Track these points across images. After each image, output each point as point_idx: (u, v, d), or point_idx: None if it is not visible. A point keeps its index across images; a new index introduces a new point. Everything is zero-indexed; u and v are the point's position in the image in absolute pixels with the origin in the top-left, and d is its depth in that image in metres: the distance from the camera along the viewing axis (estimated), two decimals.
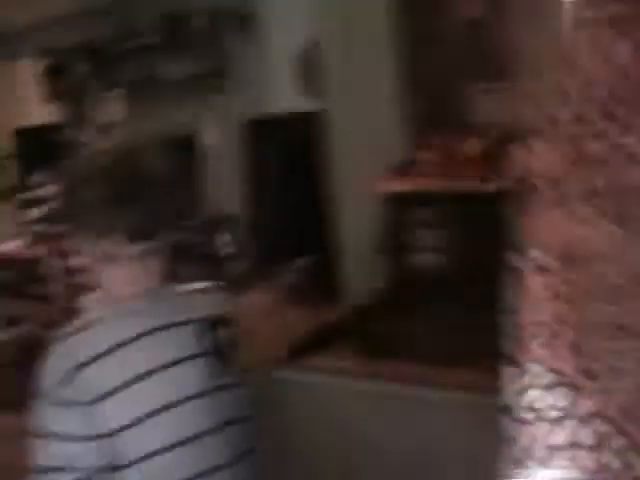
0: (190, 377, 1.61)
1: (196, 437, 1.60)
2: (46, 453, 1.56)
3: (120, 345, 1.57)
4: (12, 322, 6.40)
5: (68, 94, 9.74)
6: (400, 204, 1.66)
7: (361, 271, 1.94)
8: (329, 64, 2.13)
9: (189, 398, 1.60)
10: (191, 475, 1.58)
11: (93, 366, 1.55)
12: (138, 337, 1.59)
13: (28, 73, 10.28)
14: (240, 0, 7.79)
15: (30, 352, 5.47)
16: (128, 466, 1.56)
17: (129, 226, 1.51)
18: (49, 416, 1.57)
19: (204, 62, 8.17)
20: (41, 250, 5.17)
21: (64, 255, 4.80)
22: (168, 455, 1.56)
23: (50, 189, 7.04)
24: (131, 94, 9.03)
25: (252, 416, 1.73)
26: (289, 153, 2.11)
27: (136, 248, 1.53)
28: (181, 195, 1.57)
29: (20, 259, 5.49)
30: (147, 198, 1.56)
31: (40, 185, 7.02)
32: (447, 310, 1.61)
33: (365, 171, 2.00)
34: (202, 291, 1.77)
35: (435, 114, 1.91)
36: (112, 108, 9.32)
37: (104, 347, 1.57)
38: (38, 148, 6.93)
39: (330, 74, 2.12)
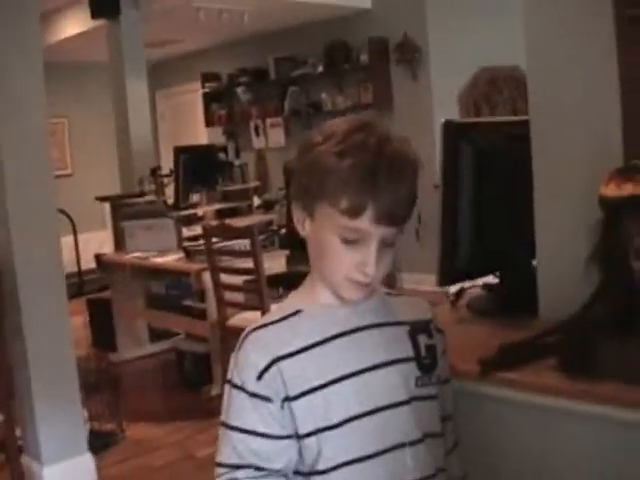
0: (393, 383, 1.48)
1: (395, 448, 1.47)
2: (233, 447, 1.46)
3: (320, 342, 1.46)
4: (162, 335, 6.53)
5: (228, 119, 9.94)
6: (621, 209, 1.48)
7: (566, 285, 1.76)
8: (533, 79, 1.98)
9: (390, 406, 1.47)
10: None
11: (290, 362, 1.44)
12: (339, 335, 1.47)
13: (194, 96, 10.57)
14: (407, 33, 7.81)
15: (173, 366, 5.62)
16: (320, 473, 1.44)
17: (379, 207, 1.39)
18: (240, 410, 1.47)
19: (367, 93, 8.19)
20: (196, 266, 5.23)
21: (218, 271, 4.84)
22: (362, 465, 1.44)
23: (205, 209, 7.16)
24: (292, 122, 9.14)
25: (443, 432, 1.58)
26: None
27: (379, 231, 1.40)
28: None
29: (176, 271, 5.60)
30: (402, 183, 1.43)
31: (196, 205, 7.14)
32: None
33: (579, 177, 1.83)
34: (403, 296, 1.65)
35: None
36: (272, 134, 9.44)
37: (301, 343, 1.45)
38: (196, 167, 7.06)
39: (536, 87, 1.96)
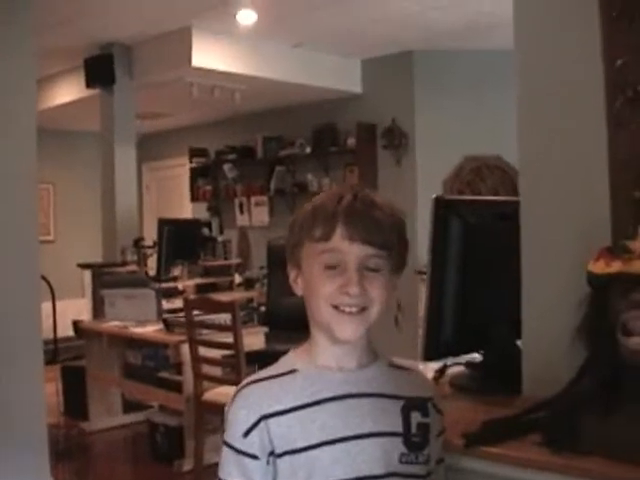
0: (374, 455, 1.47)
1: None
2: None
3: (309, 404, 1.46)
4: (136, 407, 6.45)
5: (213, 194, 9.99)
6: (609, 285, 1.50)
7: (551, 364, 1.77)
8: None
9: (370, 477, 1.46)
10: None
11: (277, 420, 1.44)
12: (330, 399, 1.47)
13: (181, 171, 10.65)
14: (395, 119, 7.94)
15: (145, 439, 5.53)
16: None
17: (349, 225, 1.42)
18: (231, 465, 1.47)
19: (353, 175, 8.28)
20: (175, 337, 5.21)
21: (196, 344, 4.82)
22: None
23: (186, 283, 7.16)
24: (277, 201, 9.20)
25: None
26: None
27: (354, 249, 1.42)
28: None
29: (154, 342, 5.57)
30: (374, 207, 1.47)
31: (177, 278, 7.14)
32: None
33: (566, 255, 1.85)
34: (408, 370, 1.64)
35: None
36: (256, 213, 9.48)
37: (291, 403, 1.45)
38: (179, 240, 7.08)
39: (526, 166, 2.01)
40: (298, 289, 1.53)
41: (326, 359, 1.51)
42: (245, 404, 1.48)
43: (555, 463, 1.48)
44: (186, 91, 7.58)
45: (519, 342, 2.06)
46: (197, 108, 8.98)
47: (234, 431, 1.47)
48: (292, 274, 1.53)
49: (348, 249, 1.43)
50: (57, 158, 10.14)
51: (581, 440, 1.49)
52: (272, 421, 1.44)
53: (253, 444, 1.45)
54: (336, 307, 1.45)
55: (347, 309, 1.44)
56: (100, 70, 7.44)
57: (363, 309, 1.45)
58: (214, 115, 9.67)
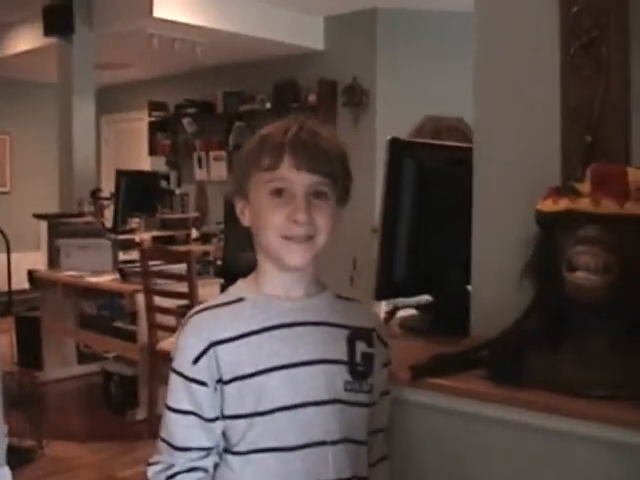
0: (319, 381, 1.50)
1: (316, 444, 1.48)
2: (182, 428, 1.49)
3: (257, 331, 1.48)
4: (91, 358, 6.45)
5: (172, 149, 9.94)
6: (556, 223, 1.54)
7: (499, 305, 1.80)
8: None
9: (314, 403, 1.49)
10: None
11: (226, 347, 1.47)
12: (277, 327, 1.49)
13: (140, 124, 10.56)
14: (356, 77, 7.93)
15: (99, 389, 5.55)
16: (239, 454, 1.47)
17: (295, 154, 1.44)
18: (180, 392, 1.50)
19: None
20: (130, 287, 5.21)
21: (152, 294, 4.83)
22: (283, 455, 1.46)
23: (143, 236, 7.12)
24: (235, 156, 9.16)
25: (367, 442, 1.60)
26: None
27: (301, 178, 1.44)
28: None
29: (109, 292, 5.56)
30: (319, 137, 1.49)
31: (134, 230, 7.09)
32: (599, 340, 1.47)
33: (516, 198, 1.89)
34: (353, 301, 1.67)
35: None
36: (215, 167, 9.45)
37: (240, 330, 1.48)
38: (137, 192, 7.04)
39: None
40: (245, 220, 1.55)
41: (274, 288, 1.54)
42: (194, 332, 1.50)
43: (499, 395, 1.52)
44: (147, 43, 7.50)
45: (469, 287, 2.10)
46: (157, 60, 8.90)
47: (183, 358, 1.50)
48: (239, 205, 1.56)
49: (295, 178, 1.45)
50: (14, 108, 10.04)
51: (525, 374, 1.53)
52: (221, 348, 1.47)
53: (202, 371, 1.47)
54: (285, 237, 1.47)
55: (296, 238, 1.47)
56: (59, 19, 7.33)
57: (310, 237, 1.47)
58: (174, 69, 9.59)
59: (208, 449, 1.49)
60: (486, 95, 2.05)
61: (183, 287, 4.78)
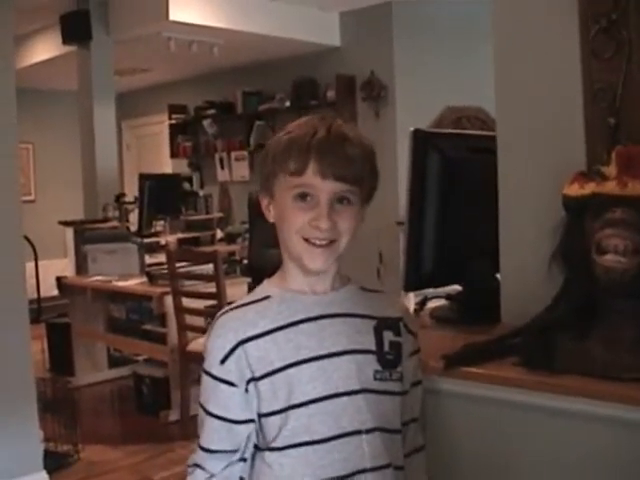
0: (348, 372, 1.51)
1: (351, 434, 1.50)
2: (209, 430, 1.53)
3: (284, 326, 1.50)
4: (121, 361, 6.49)
5: (194, 151, 9.98)
6: (583, 207, 1.54)
7: (529, 292, 1.81)
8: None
9: (345, 393, 1.50)
10: (334, 473, 1.48)
11: (254, 344, 1.48)
12: (304, 321, 1.51)
13: (161, 128, 10.61)
14: (374, 71, 7.92)
15: (131, 392, 5.57)
16: (276, 449, 1.48)
17: (321, 161, 1.45)
18: (208, 391, 1.52)
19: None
20: (158, 289, 5.24)
21: (180, 295, 4.85)
22: (319, 447, 1.48)
23: (168, 238, 7.15)
24: (257, 156, 9.18)
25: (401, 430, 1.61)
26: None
27: (326, 185, 1.45)
28: None
29: (138, 295, 5.59)
30: (346, 142, 1.50)
31: (159, 233, 7.13)
32: (630, 323, 1.47)
33: (542, 185, 1.89)
34: (379, 292, 1.68)
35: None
36: (236, 168, 9.47)
37: (267, 326, 1.50)
38: (161, 195, 7.06)
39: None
40: (270, 216, 1.57)
41: (299, 284, 1.56)
42: (222, 332, 1.52)
43: (532, 381, 1.53)
44: (164, 46, 7.53)
45: (498, 275, 2.10)
46: (175, 63, 8.92)
47: (212, 358, 1.52)
48: (264, 202, 1.57)
49: (320, 184, 1.46)
50: (36, 117, 10.07)
51: (557, 359, 1.54)
52: (249, 345, 1.49)
53: (230, 371, 1.50)
54: (307, 240, 1.48)
55: (317, 242, 1.48)
56: (76, 26, 7.36)
57: (332, 241, 1.48)
58: (193, 71, 9.61)
59: (230, 452, 1.52)
60: (507, 83, 2.05)
61: (211, 287, 4.81)
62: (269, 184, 1.53)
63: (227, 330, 1.51)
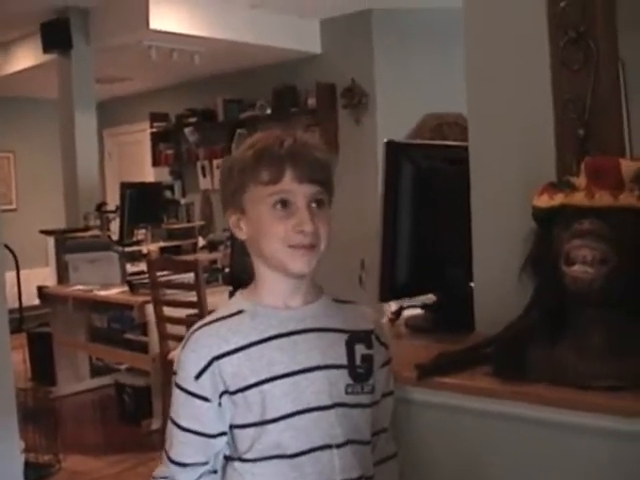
0: (321, 387, 1.52)
1: (322, 448, 1.51)
2: (181, 444, 1.54)
3: (257, 342, 1.51)
4: (103, 371, 6.47)
5: (175, 159, 9.97)
6: (553, 218, 1.56)
7: (502, 301, 1.82)
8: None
9: (317, 408, 1.51)
10: None
11: (228, 359, 1.49)
12: (277, 336, 1.52)
13: (142, 136, 10.59)
14: (354, 79, 7.95)
15: (113, 401, 5.56)
16: (247, 461, 1.50)
17: (296, 167, 1.48)
18: (181, 407, 1.53)
19: (314, 136, 8.29)
20: (140, 298, 5.24)
21: (161, 304, 4.86)
22: (290, 461, 1.49)
23: (150, 247, 7.14)
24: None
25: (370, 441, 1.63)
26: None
27: (303, 189, 1.48)
28: None
29: (119, 304, 5.59)
30: (312, 148, 1.53)
31: (141, 242, 7.12)
32: (599, 331, 1.49)
33: (514, 197, 1.91)
34: (351, 304, 1.69)
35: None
36: (219, 176, 9.47)
37: (240, 342, 1.51)
38: (142, 203, 7.05)
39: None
40: (242, 233, 1.57)
41: (273, 298, 1.57)
42: (196, 347, 1.53)
43: (504, 390, 1.54)
44: (145, 54, 7.52)
45: (472, 284, 2.12)
46: (156, 72, 8.91)
47: (185, 374, 1.53)
48: (233, 218, 1.58)
49: (297, 189, 1.49)
50: (16, 126, 10.07)
51: (529, 368, 1.55)
52: (223, 361, 1.51)
53: (204, 387, 1.51)
54: (291, 246, 1.50)
55: (301, 245, 1.50)
56: (57, 35, 7.36)
57: (313, 246, 1.51)
58: (174, 79, 9.61)
59: (203, 464, 1.54)
60: (478, 92, 2.07)
61: (192, 296, 4.82)
62: (237, 199, 1.55)
63: (201, 346, 1.52)
